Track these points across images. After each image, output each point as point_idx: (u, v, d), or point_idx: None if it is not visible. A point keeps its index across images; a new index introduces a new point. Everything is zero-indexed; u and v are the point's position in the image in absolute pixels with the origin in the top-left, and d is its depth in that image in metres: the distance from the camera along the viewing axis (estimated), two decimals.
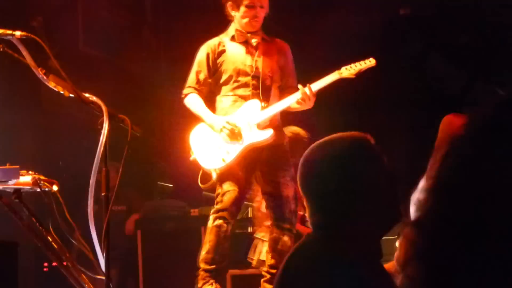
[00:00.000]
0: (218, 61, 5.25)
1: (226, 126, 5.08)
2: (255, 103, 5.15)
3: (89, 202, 3.43)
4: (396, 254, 2.42)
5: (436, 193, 1.36)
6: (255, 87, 5.18)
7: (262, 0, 5.20)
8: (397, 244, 2.44)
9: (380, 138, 2.49)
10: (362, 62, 5.13)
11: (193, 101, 5.26)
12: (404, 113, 8.31)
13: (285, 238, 5.09)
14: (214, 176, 5.08)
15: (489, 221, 1.27)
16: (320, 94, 5.08)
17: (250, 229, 7.36)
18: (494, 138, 1.32)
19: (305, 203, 2.46)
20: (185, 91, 5.31)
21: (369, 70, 5.14)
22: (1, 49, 3.47)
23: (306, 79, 5.16)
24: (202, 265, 5.14)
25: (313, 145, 2.48)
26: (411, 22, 8.66)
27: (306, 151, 2.48)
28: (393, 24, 8.52)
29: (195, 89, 5.27)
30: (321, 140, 2.47)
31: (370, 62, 5.14)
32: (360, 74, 5.13)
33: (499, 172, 1.29)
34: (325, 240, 2.38)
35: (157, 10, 9.09)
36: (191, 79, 5.30)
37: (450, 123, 3.05)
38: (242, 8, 5.19)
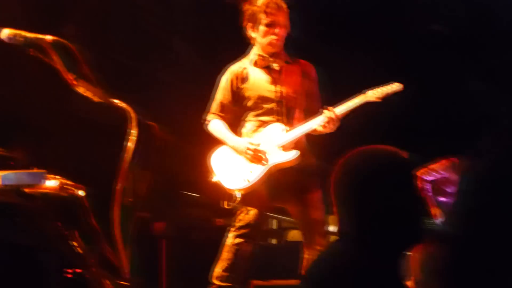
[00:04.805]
0: (241, 87, 5.19)
1: (250, 147, 5.05)
2: (278, 126, 5.12)
3: (114, 208, 3.43)
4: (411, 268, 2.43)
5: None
6: (279, 113, 5.13)
7: (281, 18, 5.12)
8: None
9: None
10: (388, 86, 5.05)
11: (215, 127, 5.24)
12: None
13: None
14: (239, 196, 5.05)
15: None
16: None
17: (273, 241, 7.32)
18: None
19: (334, 209, 2.47)
20: (208, 117, 5.27)
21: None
22: (32, 53, 3.49)
23: (332, 100, 5.13)
24: (216, 282, 5.07)
25: (349, 154, 2.48)
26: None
27: (343, 158, 2.48)
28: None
29: (218, 115, 5.24)
30: (356, 150, 2.48)
31: (397, 86, 5.07)
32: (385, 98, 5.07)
33: None
34: (347, 249, 2.41)
35: (186, 18, 9.08)
36: (214, 106, 5.27)
37: None
38: (262, 28, 5.12)
